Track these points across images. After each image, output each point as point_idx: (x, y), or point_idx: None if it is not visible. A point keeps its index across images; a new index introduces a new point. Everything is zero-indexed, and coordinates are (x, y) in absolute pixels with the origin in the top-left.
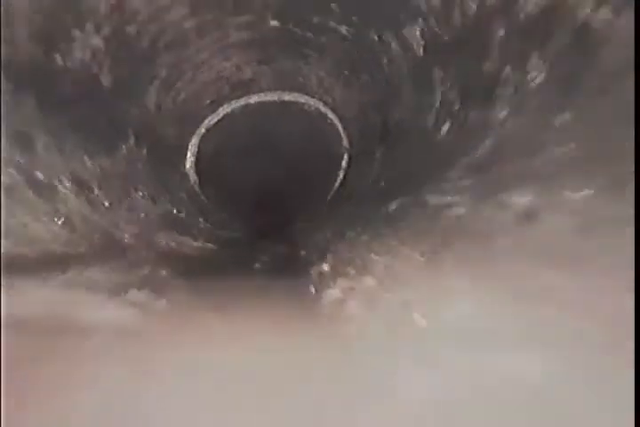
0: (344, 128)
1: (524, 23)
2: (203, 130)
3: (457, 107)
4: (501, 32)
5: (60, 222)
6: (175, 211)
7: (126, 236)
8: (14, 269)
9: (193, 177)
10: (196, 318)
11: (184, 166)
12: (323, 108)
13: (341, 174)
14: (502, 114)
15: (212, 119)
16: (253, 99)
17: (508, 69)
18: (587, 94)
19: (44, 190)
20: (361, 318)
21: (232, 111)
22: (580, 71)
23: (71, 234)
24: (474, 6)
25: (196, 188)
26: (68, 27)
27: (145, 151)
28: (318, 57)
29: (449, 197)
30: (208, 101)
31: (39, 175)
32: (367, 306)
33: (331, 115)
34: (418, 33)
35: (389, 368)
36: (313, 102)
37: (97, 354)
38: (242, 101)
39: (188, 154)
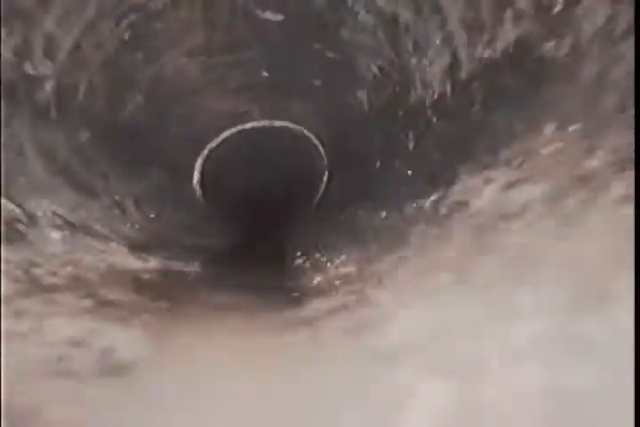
0: (325, 151)
1: (411, 109)
2: (206, 151)
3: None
4: (401, 113)
5: (136, 227)
6: (187, 220)
7: (170, 236)
8: (129, 250)
9: (198, 191)
10: (224, 274)
11: (192, 183)
12: (307, 133)
13: (322, 190)
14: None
15: (213, 143)
16: (248, 125)
17: (410, 135)
18: (433, 158)
19: (121, 208)
20: (312, 272)
21: (231, 135)
22: (430, 148)
23: (142, 235)
24: (389, 89)
25: (201, 200)
26: (124, 91)
27: (167, 174)
28: (300, 100)
29: (369, 212)
30: (212, 130)
31: (117, 197)
32: (315, 267)
33: (314, 140)
34: (365, 97)
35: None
36: (299, 128)
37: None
38: (239, 127)
39: (195, 172)
